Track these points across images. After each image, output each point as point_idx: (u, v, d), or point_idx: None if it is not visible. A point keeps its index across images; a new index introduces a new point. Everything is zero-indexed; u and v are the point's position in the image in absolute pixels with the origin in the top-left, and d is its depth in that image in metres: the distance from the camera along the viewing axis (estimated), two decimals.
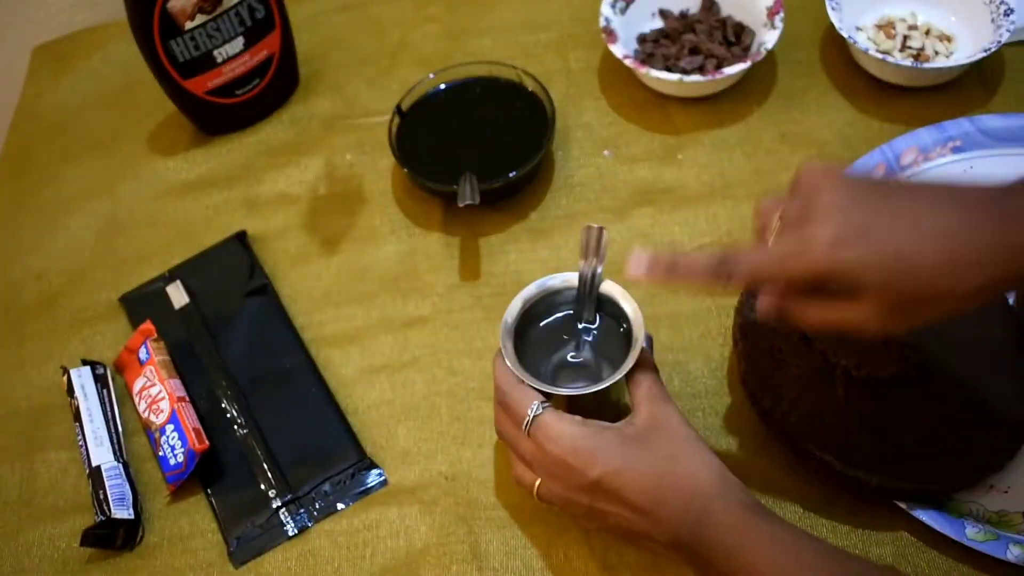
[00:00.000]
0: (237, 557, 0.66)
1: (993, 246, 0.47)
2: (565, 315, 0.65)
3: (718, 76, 0.81)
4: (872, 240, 0.48)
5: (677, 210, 0.78)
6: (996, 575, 0.57)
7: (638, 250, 0.54)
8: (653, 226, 0.78)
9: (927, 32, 0.83)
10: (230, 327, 0.77)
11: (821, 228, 0.49)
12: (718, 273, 0.52)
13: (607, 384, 0.59)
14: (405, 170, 0.80)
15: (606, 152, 0.84)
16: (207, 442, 0.69)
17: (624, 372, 0.59)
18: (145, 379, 0.73)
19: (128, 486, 0.69)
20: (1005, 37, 0.78)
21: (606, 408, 0.66)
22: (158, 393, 0.71)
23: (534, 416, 0.56)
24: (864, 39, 0.84)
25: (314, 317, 0.78)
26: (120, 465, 0.69)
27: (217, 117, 0.90)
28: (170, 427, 0.69)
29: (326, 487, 0.68)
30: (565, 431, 0.55)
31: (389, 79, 0.93)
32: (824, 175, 0.51)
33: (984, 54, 0.77)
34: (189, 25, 0.82)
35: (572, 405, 0.63)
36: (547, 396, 0.58)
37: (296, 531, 0.67)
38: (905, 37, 0.83)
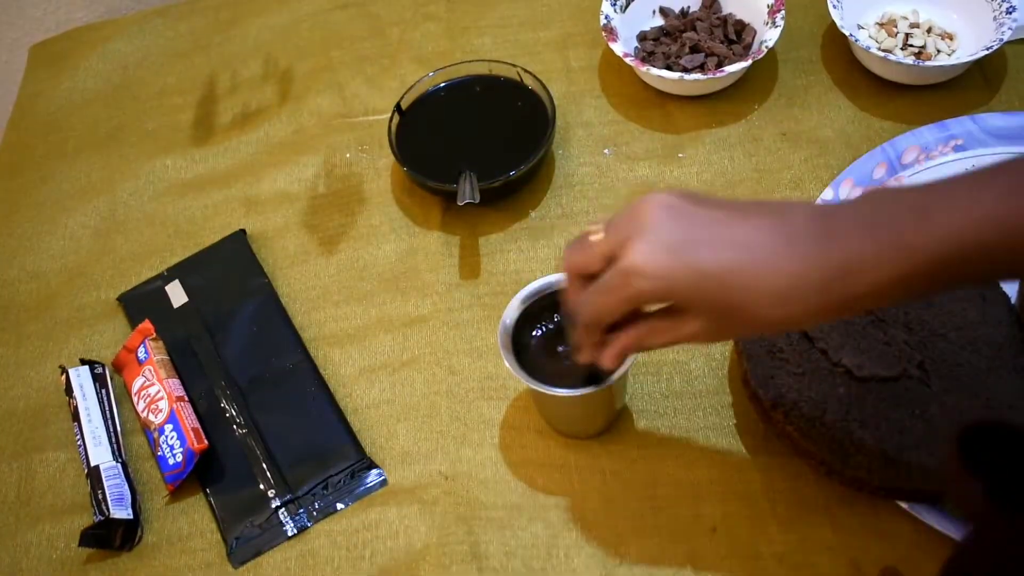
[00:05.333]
0: (236, 557, 0.66)
1: (811, 258, 0.46)
2: (563, 316, 0.65)
3: (719, 74, 0.80)
4: (678, 256, 0.47)
5: None
6: None
7: None
8: None
9: (929, 30, 0.83)
10: (229, 326, 0.77)
11: (633, 248, 0.48)
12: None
13: (605, 386, 0.59)
14: (405, 169, 0.80)
15: (606, 151, 0.83)
16: (206, 442, 0.69)
17: (621, 374, 0.59)
18: (144, 378, 0.72)
19: (127, 486, 0.68)
20: (1007, 35, 0.77)
21: (603, 410, 0.66)
22: (157, 393, 0.71)
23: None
24: (866, 37, 0.84)
25: (313, 316, 0.78)
26: (119, 465, 0.69)
27: None
28: (169, 427, 0.69)
29: (325, 487, 0.68)
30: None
31: (389, 77, 0.93)
32: (653, 197, 0.49)
33: (986, 52, 0.77)
34: None
35: (567, 406, 0.62)
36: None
37: (295, 531, 0.67)
38: (907, 35, 0.83)
